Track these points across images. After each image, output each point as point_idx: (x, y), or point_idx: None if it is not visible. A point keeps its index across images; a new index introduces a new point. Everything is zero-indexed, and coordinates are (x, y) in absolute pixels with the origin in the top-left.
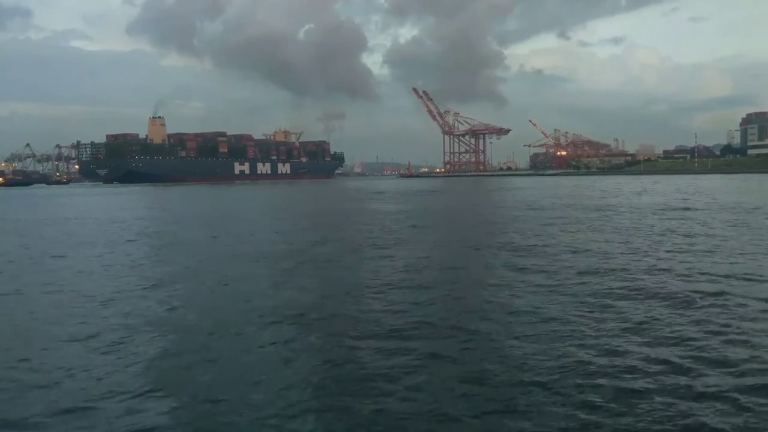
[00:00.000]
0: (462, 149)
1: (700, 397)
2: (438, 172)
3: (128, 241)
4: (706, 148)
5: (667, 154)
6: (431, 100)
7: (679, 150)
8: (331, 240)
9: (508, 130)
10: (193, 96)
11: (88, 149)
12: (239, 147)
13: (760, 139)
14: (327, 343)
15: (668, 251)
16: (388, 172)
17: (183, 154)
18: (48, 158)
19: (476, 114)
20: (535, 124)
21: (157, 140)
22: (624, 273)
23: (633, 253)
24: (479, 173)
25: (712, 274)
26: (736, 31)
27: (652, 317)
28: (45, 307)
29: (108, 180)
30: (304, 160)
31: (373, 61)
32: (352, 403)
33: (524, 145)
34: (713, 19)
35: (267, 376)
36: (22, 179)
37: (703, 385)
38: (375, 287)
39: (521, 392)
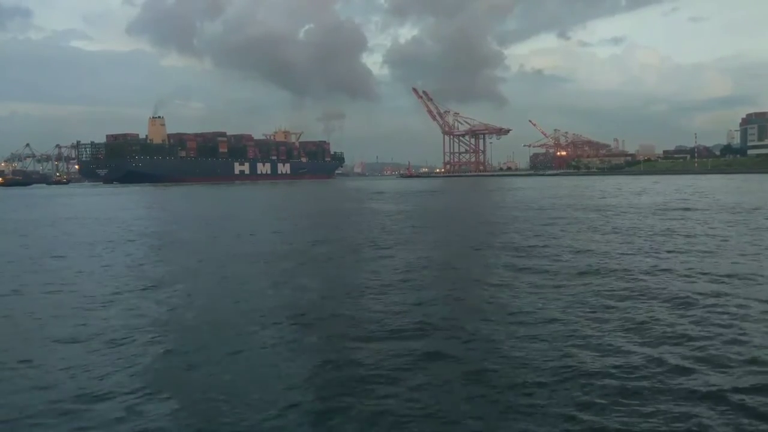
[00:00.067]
0: (462, 149)
1: (702, 398)
2: (438, 173)
3: (128, 241)
4: (706, 149)
5: (667, 155)
6: (431, 100)
7: (679, 150)
8: (331, 240)
9: (508, 130)
10: (193, 96)
11: (88, 149)
12: (239, 147)
13: (760, 139)
14: (327, 343)
15: (669, 251)
16: (388, 172)
17: (183, 154)
18: (48, 158)
19: (476, 114)
20: (535, 124)
21: (157, 140)
22: (624, 273)
23: (634, 254)
24: (479, 173)
25: (712, 275)
26: (736, 31)
27: (653, 317)
28: (45, 307)
29: (108, 180)
30: (304, 160)
31: (373, 61)
32: (353, 403)
33: (524, 146)
34: (713, 19)
35: (267, 376)
36: (22, 179)
37: (705, 385)
38: (375, 287)
39: (522, 393)
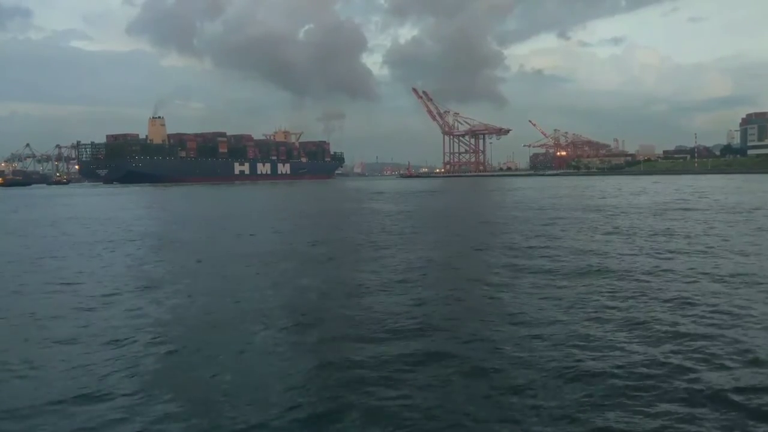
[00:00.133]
0: (462, 149)
1: (703, 398)
2: (438, 173)
3: (128, 241)
4: (706, 149)
5: (666, 155)
6: (431, 100)
7: (679, 150)
8: (331, 240)
9: (508, 131)
10: (193, 96)
11: (88, 149)
12: (239, 147)
13: (760, 139)
14: (327, 343)
15: (670, 251)
16: (388, 172)
17: (183, 154)
18: (48, 158)
19: (476, 114)
20: (535, 125)
21: (157, 140)
22: (625, 273)
23: (634, 254)
24: (479, 173)
25: (713, 275)
26: (736, 31)
27: (654, 318)
28: (45, 307)
29: (108, 180)
30: (304, 160)
31: (373, 62)
32: (353, 403)
33: (524, 146)
34: (713, 19)
35: (268, 376)
36: (22, 179)
37: (706, 386)
38: (375, 287)
39: (522, 393)
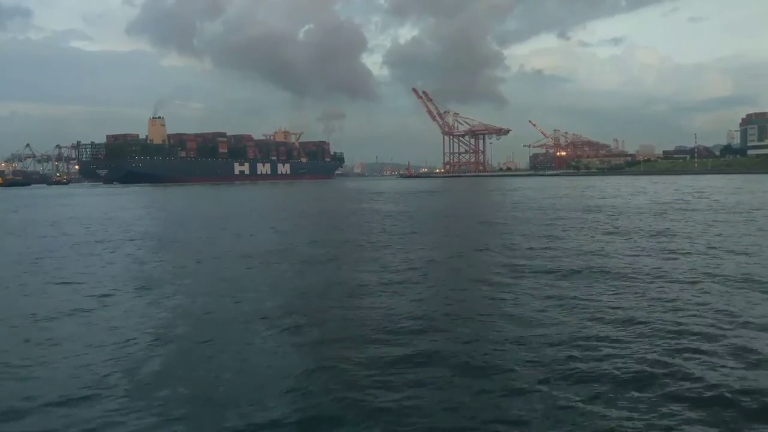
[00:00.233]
0: (462, 149)
1: (704, 400)
2: (438, 173)
3: (128, 241)
4: (706, 149)
5: (666, 155)
6: (431, 100)
7: (679, 150)
8: (331, 240)
9: (507, 131)
10: (193, 96)
11: (88, 149)
12: (239, 147)
13: (760, 139)
14: (328, 344)
15: (671, 252)
16: (388, 172)
17: (183, 154)
18: (48, 158)
19: (476, 114)
20: (534, 125)
21: (157, 141)
22: (626, 274)
23: (635, 255)
24: (479, 174)
25: (714, 275)
26: (736, 31)
27: (655, 318)
28: (45, 307)
29: (108, 180)
30: (303, 160)
31: (373, 62)
32: (353, 403)
33: (524, 146)
34: (713, 19)
35: (267, 375)
36: (22, 179)
37: (707, 387)
38: (376, 288)
39: (523, 396)
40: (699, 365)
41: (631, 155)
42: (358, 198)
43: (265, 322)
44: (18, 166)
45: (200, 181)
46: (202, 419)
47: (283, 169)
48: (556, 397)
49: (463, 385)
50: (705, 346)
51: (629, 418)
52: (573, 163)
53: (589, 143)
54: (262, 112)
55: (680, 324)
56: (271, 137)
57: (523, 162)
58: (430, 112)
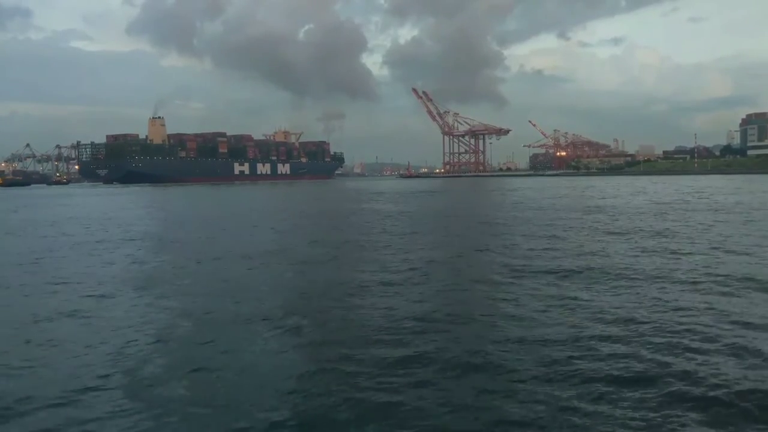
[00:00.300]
0: (462, 150)
1: (706, 401)
2: (438, 173)
3: (128, 241)
4: (706, 149)
5: (666, 155)
6: (431, 100)
7: (679, 150)
8: (332, 241)
9: (507, 131)
10: (193, 96)
11: (88, 149)
12: (239, 147)
13: (760, 139)
14: (329, 344)
15: (671, 252)
16: (388, 172)
17: (183, 154)
18: (48, 158)
19: (476, 114)
20: (534, 125)
21: (157, 140)
22: (626, 274)
23: (636, 255)
24: (479, 174)
25: (715, 275)
26: (736, 31)
27: (657, 318)
28: (46, 307)
29: (108, 180)
30: (303, 160)
31: (373, 62)
32: (354, 404)
33: (524, 146)
34: (713, 19)
35: (267, 376)
36: (21, 179)
37: (707, 389)
38: (376, 288)
39: (525, 398)
40: (700, 365)
41: (631, 155)
42: (358, 198)
43: (266, 323)
44: (18, 166)
45: (200, 181)
46: (202, 420)
47: (283, 169)
48: (557, 397)
49: (464, 386)
50: (705, 347)
51: (631, 419)
52: (573, 163)
53: (589, 143)
54: (262, 112)
55: (681, 324)
56: (271, 137)
57: (523, 162)
58: (430, 112)
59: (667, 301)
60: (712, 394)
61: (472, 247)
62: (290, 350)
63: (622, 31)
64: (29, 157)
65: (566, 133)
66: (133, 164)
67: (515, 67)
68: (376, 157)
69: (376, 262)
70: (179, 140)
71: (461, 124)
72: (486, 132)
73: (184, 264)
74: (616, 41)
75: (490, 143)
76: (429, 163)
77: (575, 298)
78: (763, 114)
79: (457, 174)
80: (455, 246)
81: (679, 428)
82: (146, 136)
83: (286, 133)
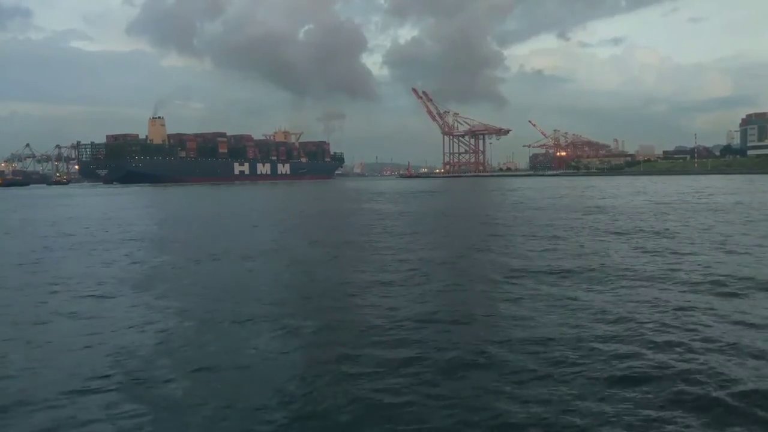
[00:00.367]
0: (462, 150)
1: (706, 401)
2: (438, 173)
3: (128, 241)
4: (706, 149)
5: (666, 155)
6: (431, 100)
7: (679, 150)
8: (332, 241)
9: (507, 131)
10: (193, 96)
11: (88, 150)
12: (239, 147)
13: (760, 139)
14: (329, 344)
15: (672, 252)
16: (388, 172)
17: (183, 154)
18: (48, 158)
19: (476, 114)
20: (534, 125)
21: (157, 141)
22: (627, 274)
23: (636, 256)
24: (479, 174)
25: (716, 275)
26: (736, 31)
27: (658, 318)
28: (46, 307)
29: (108, 180)
30: (303, 160)
31: (373, 62)
32: (355, 403)
33: (524, 146)
34: (713, 19)
35: (268, 376)
36: (21, 180)
37: (709, 389)
38: (377, 288)
39: (523, 395)
40: (700, 365)
41: (631, 155)
42: (357, 198)
43: (266, 323)
44: (18, 166)
45: (200, 181)
46: (202, 420)
47: (283, 169)
48: (558, 397)
49: (465, 386)
50: (706, 347)
51: (631, 419)
52: (573, 164)
53: (589, 143)
54: (262, 112)
55: (681, 324)
56: (271, 137)
57: (523, 162)
58: (430, 112)
59: (668, 301)
60: (712, 394)
61: (472, 247)
62: (290, 350)
63: (622, 31)
64: (29, 157)
65: (566, 133)
66: (133, 164)
67: (515, 67)
68: (376, 157)
69: (377, 262)
70: (179, 140)
71: (461, 124)
72: (486, 132)
73: (184, 264)
74: (616, 41)
75: (490, 143)
76: (429, 163)
77: (576, 299)
78: (763, 114)
79: (457, 174)
80: (455, 246)
81: (679, 428)
82: (146, 136)
83: (286, 133)
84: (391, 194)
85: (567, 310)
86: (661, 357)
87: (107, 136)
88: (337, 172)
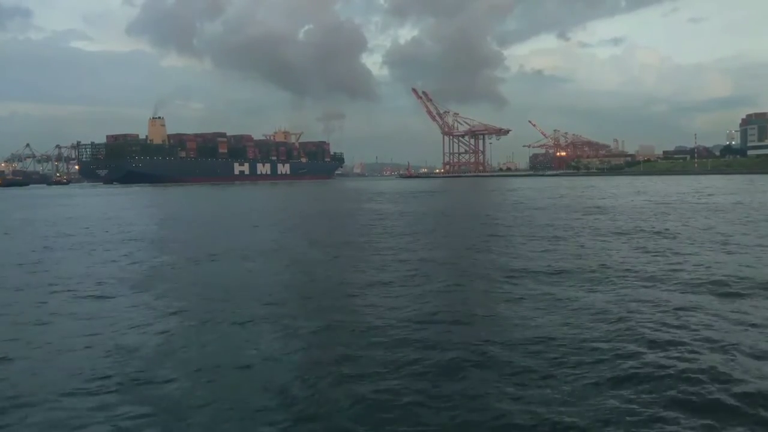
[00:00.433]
0: (461, 150)
1: (706, 401)
2: (437, 173)
3: (127, 241)
4: (706, 149)
5: (666, 155)
6: (431, 100)
7: (679, 151)
8: (332, 241)
9: (507, 131)
10: (193, 96)
11: (88, 150)
12: (239, 147)
13: (760, 139)
14: (330, 345)
15: (672, 252)
16: (388, 172)
17: (183, 154)
18: (48, 158)
19: (476, 114)
20: (534, 125)
21: (157, 141)
22: (627, 274)
23: (636, 256)
24: (479, 174)
25: (716, 275)
26: (736, 31)
27: (658, 318)
28: (46, 307)
29: (108, 180)
30: (303, 160)
31: (373, 62)
32: (354, 404)
33: (524, 146)
34: (713, 19)
35: (268, 376)
36: (21, 180)
37: (709, 390)
38: (377, 288)
39: (523, 395)
40: (700, 365)
41: (631, 155)
42: (357, 198)
43: (266, 323)
44: (18, 166)
45: (200, 181)
46: (202, 420)
47: (283, 169)
48: (558, 397)
49: (465, 386)
50: (706, 347)
51: (631, 419)
52: (573, 164)
53: (589, 143)
54: (262, 112)
55: (682, 324)
56: (271, 137)
57: (523, 162)
58: (429, 112)
59: (668, 301)
60: (713, 394)
61: (472, 248)
62: (291, 350)
63: (622, 31)
64: (29, 157)
65: (566, 133)
66: (133, 164)
67: (515, 67)
68: (376, 157)
69: (377, 262)
70: (179, 140)
71: (461, 124)
72: (486, 132)
73: (184, 264)
74: (616, 41)
75: (490, 143)
76: (429, 163)
77: (576, 299)
78: (763, 114)
79: (457, 174)
80: (455, 246)
81: (680, 429)
82: (146, 136)
83: (286, 134)
84: (391, 194)
85: (567, 310)
86: (662, 357)
87: (107, 136)
88: (337, 172)
